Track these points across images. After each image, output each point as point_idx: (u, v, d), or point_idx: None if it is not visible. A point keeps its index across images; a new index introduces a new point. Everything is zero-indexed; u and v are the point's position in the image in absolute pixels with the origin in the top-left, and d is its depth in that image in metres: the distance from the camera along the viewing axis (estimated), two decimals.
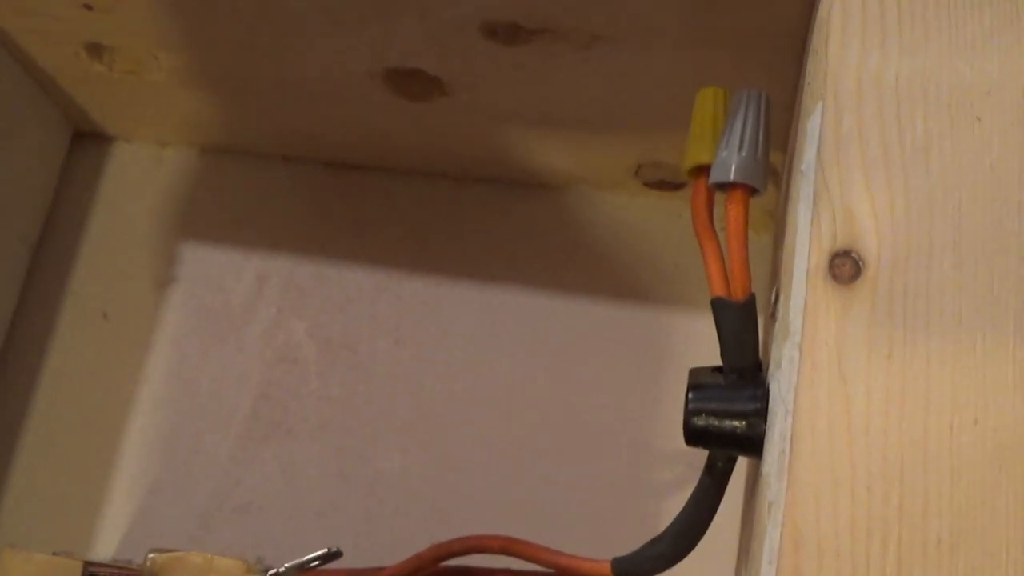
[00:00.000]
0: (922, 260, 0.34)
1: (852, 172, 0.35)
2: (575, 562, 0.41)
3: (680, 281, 0.57)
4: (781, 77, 0.43)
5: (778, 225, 0.45)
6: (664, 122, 0.50)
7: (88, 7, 0.49)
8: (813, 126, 0.36)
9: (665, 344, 0.56)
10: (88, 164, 0.62)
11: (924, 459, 0.32)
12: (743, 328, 0.37)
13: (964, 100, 0.36)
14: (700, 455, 0.38)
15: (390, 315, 0.58)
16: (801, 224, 0.36)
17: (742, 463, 0.39)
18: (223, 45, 0.50)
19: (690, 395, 0.37)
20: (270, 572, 0.48)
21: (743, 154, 0.38)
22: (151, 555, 0.49)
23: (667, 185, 0.56)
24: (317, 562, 0.48)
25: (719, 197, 0.39)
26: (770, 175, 0.39)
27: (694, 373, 0.38)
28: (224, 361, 0.58)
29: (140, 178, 0.62)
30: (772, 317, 0.39)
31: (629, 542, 0.40)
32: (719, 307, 0.38)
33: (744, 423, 0.36)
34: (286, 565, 0.48)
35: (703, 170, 0.39)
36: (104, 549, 0.56)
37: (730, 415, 0.36)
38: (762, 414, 0.36)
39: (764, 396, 0.36)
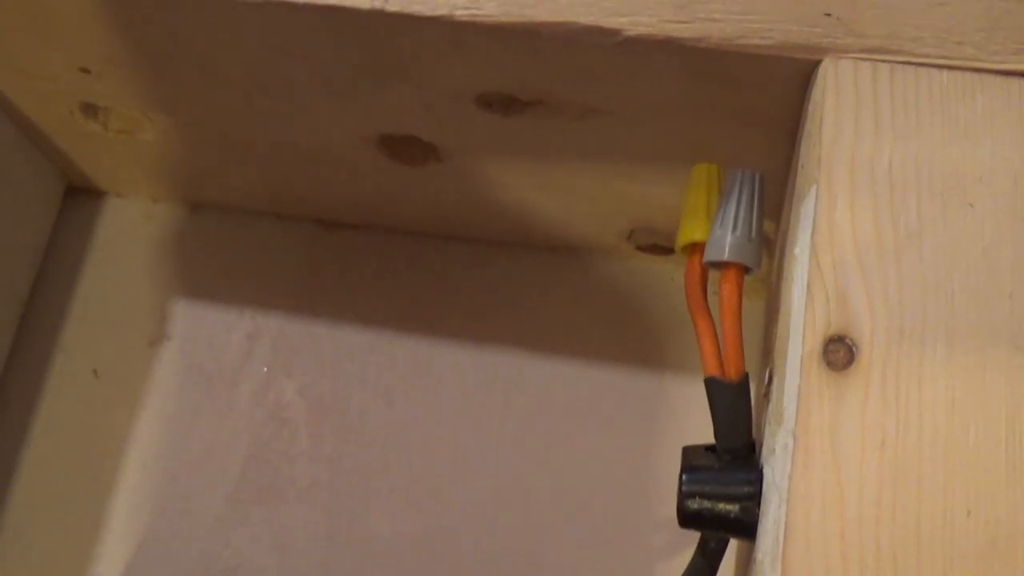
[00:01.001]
0: (915, 346, 0.34)
1: (846, 257, 0.35)
2: None
3: (673, 344, 0.57)
4: (775, 153, 0.43)
5: (770, 294, 0.45)
6: (657, 189, 0.50)
7: (84, 70, 0.49)
8: (807, 210, 0.37)
9: (658, 407, 0.56)
10: (80, 219, 0.62)
11: (917, 550, 0.32)
12: (737, 409, 0.38)
13: (957, 186, 0.36)
14: None
15: (381, 375, 0.58)
16: (795, 308, 0.36)
17: (735, 541, 0.39)
18: (217, 109, 0.51)
19: (684, 477, 0.37)
20: None
21: (737, 234, 0.38)
22: None
23: (660, 249, 0.56)
24: None
25: (713, 273, 0.40)
26: (763, 252, 0.40)
27: (687, 453, 0.38)
28: (214, 420, 0.58)
29: (132, 233, 0.61)
30: (765, 397, 0.39)
31: None
32: (713, 387, 0.38)
33: (738, 507, 0.36)
34: None
35: (697, 247, 0.40)
36: None
37: (724, 499, 0.36)
38: (756, 498, 0.36)
39: (758, 480, 0.36)
